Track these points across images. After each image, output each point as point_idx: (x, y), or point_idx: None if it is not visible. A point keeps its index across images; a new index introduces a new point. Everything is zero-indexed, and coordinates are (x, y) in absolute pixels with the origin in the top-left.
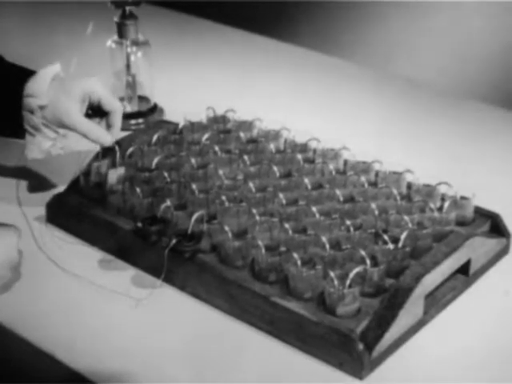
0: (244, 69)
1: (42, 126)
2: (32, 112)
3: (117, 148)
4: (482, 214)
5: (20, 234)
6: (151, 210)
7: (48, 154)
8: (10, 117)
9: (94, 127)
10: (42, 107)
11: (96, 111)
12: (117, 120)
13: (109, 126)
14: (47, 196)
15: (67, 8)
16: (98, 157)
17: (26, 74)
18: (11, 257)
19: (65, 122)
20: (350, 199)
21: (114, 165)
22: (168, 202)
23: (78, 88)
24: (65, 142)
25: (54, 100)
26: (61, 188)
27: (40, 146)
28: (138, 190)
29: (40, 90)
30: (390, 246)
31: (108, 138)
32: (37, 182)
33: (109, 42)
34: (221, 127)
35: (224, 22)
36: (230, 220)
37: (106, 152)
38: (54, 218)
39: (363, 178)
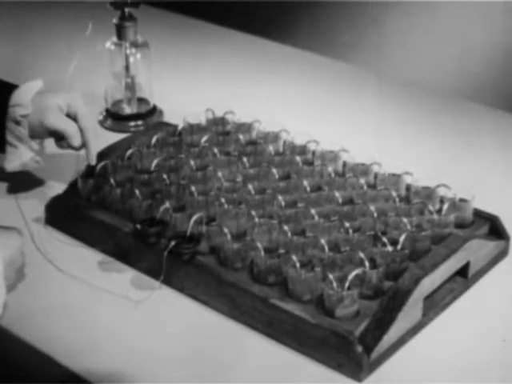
0: (243, 71)
1: (27, 137)
2: (17, 123)
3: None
4: (481, 217)
5: (22, 236)
6: (150, 212)
7: (26, 166)
8: None
9: (73, 125)
10: (25, 116)
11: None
12: (86, 139)
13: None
14: (46, 198)
15: (66, 9)
16: (97, 159)
17: (8, 87)
18: (15, 259)
19: (46, 121)
20: (349, 201)
21: (114, 166)
22: (167, 204)
23: (58, 97)
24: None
25: (37, 104)
26: (59, 190)
27: (21, 157)
28: (137, 191)
29: (24, 100)
30: (389, 248)
31: (79, 140)
32: (36, 184)
33: (108, 44)
34: (220, 129)
35: (223, 24)
36: (229, 222)
37: (104, 155)
38: (52, 219)
39: (362, 180)
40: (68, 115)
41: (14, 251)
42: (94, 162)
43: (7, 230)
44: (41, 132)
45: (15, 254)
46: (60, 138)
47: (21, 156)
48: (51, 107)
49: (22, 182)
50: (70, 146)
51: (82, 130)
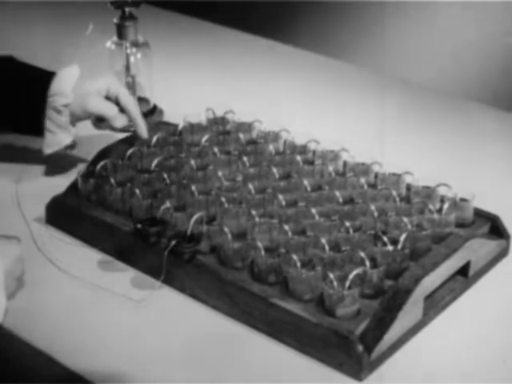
0: (243, 70)
1: (67, 124)
2: (58, 111)
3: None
4: (482, 216)
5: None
6: (151, 212)
7: (62, 150)
8: (29, 115)
9: (114, 108)
10: (66, 105)
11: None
12: (133, 116)
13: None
14: (47, 197)
15: (67, 9)
16: (97, 159)
17: (46, 75)
18: (15, 268)
19: (88, 106)
20: (350, 201)
21: (115, 166)
22: (167, 204)
23: (97, 82)
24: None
25: (77, 91)
26: (60, 189)
27: (60, 143)
28: (137, 191)
29: (65, 89)
30: (390, 247)
31: (121, 122)
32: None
33: (108, 43)
34: (220, 129)
35: (224, 24)
36: (229, 221)
37: (104, 155)
38: (53, 219)
39: (362, 180)
40: (107, 98)
41: (13, 260)
42: (146, 135)
43: (7, 238)
44: (81, 116)
45: (15, 263)
46: (99, 119)
47: (59, 142)
48: (91, 92)
49: (23, 181)
50: (112, 128)
51: (126, 110)
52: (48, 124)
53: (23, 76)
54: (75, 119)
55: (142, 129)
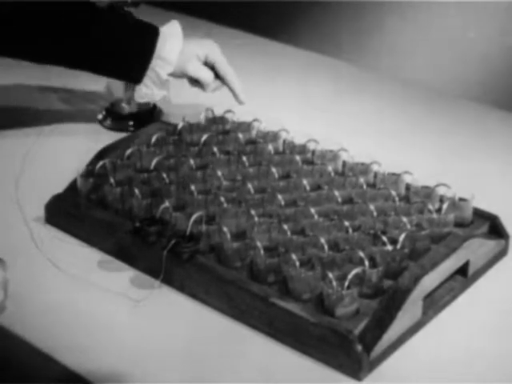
0: (243, 70)
1: (164, 85)
2: (158, 75)
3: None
4: (481, 216)
5: (6, 266)
6: (150, 211)
7: (153, 100)
8: (129, 65)
9: (210, 74)
10: (169, 74)
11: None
12: (231, 83)
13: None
14: (46, 197)
15: None
16: (97, 158)
17: (152, 29)
18: None
19: (186, 69)
20: (349, 200)
21: (114, 166)
22: (167, 203)
23: (197, 47)
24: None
25: (179, 58)
26: (59, 189)
27: (154, 97)
28: (136, 190)
29: (170, 57)
30: (389, 247)
31: (212, 88)
32: (36, 183)
33: None
34: (220, 128)
35: (224, 24)
36: (228, 221)
37: (103, 154)
38: (52, 218)
39: (362, 180)
40: (206, 63)
41: None
42: (244, 101)
43: None
44: (178, 75)
45: None
46: (194, 80)
47: (152, 96)
48: (191, 57)
49: (23, 180)
50: (203, 90)
51: (223, 78)
52: (147, 80)
53: (124, 25)
54: (173, 76)
55: (240, 96)
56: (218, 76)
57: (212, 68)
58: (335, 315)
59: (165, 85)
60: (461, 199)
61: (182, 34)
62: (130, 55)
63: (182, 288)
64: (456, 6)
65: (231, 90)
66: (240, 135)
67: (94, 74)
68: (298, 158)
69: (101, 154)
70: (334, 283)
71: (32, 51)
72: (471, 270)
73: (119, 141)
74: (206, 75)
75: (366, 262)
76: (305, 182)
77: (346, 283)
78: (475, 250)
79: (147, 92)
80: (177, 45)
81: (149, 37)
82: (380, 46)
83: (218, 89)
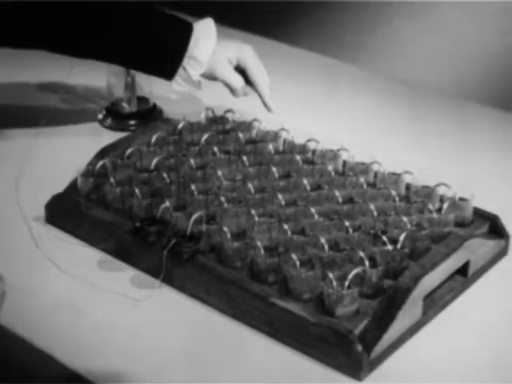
0: None
1: (195, 83)
2: (189, 75)
3: None
4: (481, 216)
5: (4, 281)
6: (150, 211)
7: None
8: (161, 61)
9: (239, 80)
10: (200, 75)
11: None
12: (261, 90)
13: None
14: (46, 197)
15: None
16: (97, 158)
17: (186, 25)
18: None
19: (216, 73)
20: (349, 200)
21: (114, 165)
22: (167, 203)
23: (229, 50)
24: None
25: (210, 61)
26: (60, 188)
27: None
28: (137, 190)
29: (202, 58)
30: (389, 247)
31: (240, 94)
32: (36, 183)
33: None
34: (220, 128)
35: (224, 23)
36: (228, 221)
37: (103, 154)
38: (53, 218)
39: (362, 179)
40: (237, 67)
41: None
42: (272, 110)
43: None
44: (208, 77)
45: None
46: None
47: (182, 90)
48: (222, 59)
49: (23, 180)
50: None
51: (253, 84)
52: (177, 77)
53: (158, 20)
54: (203, 77)
55: (269, 105)
56: (248, 81)
57: (243, 73)
58: (335, 315)
59: (194, 86)
60: (461, 199)
61: (216, 33)
62: (162, 51)
63: (182, 288)
64: (456, 6)
65: (259, 96)
66: (240, 135)
67: (125, 67)
68: (298, 157)
69: (101, 154)
70: (334, 283)
71: (69, 45)
72: (471, 270)
73: (119, 140)
74: (234, 80)
75: (367, 262)
76: (305, 181)
77: (347, 283)
78: (475, 249)
79: (176, 87)
80: (210, 45)
81: (182, 34)
82: (380, 46)
83: (247, 94)
